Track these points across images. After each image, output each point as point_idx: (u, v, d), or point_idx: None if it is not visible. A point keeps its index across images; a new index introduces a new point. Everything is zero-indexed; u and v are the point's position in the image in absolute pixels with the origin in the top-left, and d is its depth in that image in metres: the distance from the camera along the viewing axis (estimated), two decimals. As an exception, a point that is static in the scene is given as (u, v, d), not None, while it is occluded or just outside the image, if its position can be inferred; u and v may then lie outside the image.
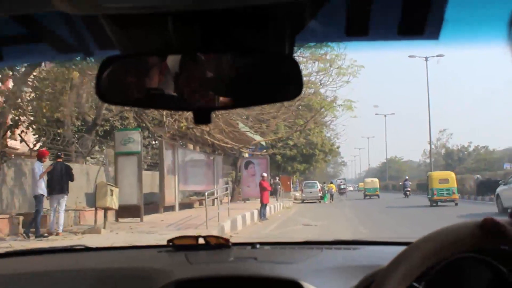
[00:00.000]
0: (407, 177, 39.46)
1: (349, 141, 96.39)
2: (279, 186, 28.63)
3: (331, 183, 41.02)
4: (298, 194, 37.78)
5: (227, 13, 0.74)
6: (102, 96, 0.84)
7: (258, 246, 1.72)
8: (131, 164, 13.53)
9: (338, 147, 41.97)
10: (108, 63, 0.82)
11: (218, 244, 1.66)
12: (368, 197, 39.53)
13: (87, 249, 1.92)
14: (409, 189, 36.19)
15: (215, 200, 17.36)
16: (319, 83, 20.40)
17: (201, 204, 22.84)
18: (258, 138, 23.60)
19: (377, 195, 39.62)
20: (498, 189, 17.99)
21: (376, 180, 44.02)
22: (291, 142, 33.53)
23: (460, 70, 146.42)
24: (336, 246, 1.77)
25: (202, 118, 0.84)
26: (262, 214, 17.48)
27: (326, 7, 0.83)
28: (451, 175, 24.66)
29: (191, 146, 23.04)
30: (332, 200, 36.57)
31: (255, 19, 0.79)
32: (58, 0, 0.64)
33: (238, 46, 0.81)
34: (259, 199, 17.98)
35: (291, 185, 39.96)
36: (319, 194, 34.81)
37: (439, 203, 23.44)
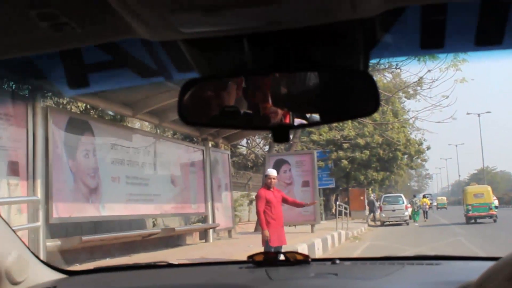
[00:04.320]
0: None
1: (434, 151, 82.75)
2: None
3: (424, 197, 32.26)
4: (377, 213, 27.86)
5: (301, 32, 0.76)
6: (184, 117, 0.90)
7: (338, 261, 1.73)
8: None
9: (428, 148, 30.81)
10: (189, 86, 0.88)
11: (298, 260, 1.69)
12: (439, 209, 55.28)
13: (169, 265, 2.06)
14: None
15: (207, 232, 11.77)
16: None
17: (202, 238, 13.41)
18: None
19: (445, 208, 56.64)
20: None
21: (444, 198, 64.25)
22: (361, 142, 24.09)
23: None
24: (418, 262, 1.78)
25: (281, 136, 0.88)
26: None
27: (400, 21, 0.84)
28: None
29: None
30: (427, 219, 28.28)
31: (329, 37, 0.81)
32: (140, 28, 0.72)
33: (313, 64, 0.84)
34: (298, 226, 8.06)
35: (366, 202, 29.50)
36: (406, 213, 25.58)
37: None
